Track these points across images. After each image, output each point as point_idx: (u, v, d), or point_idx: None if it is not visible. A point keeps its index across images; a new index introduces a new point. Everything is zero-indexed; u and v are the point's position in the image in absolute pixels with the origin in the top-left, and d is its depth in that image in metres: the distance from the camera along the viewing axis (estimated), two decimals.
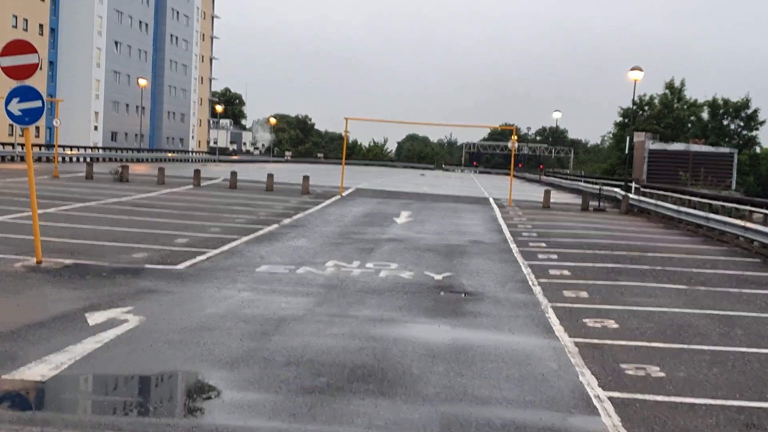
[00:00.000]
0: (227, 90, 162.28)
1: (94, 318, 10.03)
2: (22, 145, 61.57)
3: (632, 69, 42.78)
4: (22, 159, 56.42)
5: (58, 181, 36.71)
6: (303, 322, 10.64)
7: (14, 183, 32.76)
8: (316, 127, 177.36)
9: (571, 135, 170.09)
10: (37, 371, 7.62)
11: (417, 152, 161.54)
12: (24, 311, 10.53)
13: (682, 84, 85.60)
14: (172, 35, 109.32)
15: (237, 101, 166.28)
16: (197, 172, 40.41)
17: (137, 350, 8.71)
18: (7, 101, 14.22)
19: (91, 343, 8.77)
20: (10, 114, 14.29)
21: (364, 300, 12.68)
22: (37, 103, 14.34)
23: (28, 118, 14.33)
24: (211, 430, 6.25)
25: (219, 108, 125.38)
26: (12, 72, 14.18)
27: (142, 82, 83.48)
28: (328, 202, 34.22)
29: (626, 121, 79.82)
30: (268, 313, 11.07)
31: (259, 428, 6.36)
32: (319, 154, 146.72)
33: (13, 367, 7.68)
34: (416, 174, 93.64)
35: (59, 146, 61.03)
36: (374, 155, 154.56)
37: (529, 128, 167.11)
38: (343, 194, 39.29)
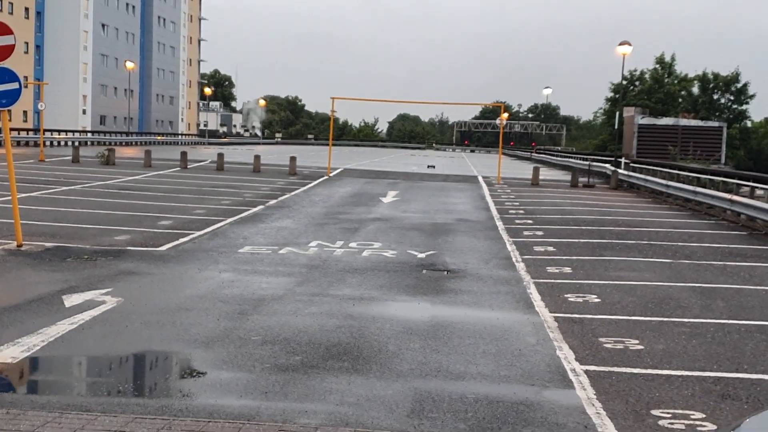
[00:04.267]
0: (216, 72, 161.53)
1: (71, 300, 9.96)
2: (11, 129, 61.29)
3: (621, 44, 42.68)
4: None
5: (44, 165, 36.51)
6: (282, 302, 10.58)
7: None
8: (306, 108, 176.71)
9: (564, 112, 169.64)
10: (7, 353, 7.56)
11: (408, 132, 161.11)
12: (0, 295, 10.44)
13: (673, 59, 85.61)
14: (159, 17, 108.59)
15: (227, 83, 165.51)
16: (184, 154, 40.24)
17: (112, 331, 8.65)
18: None
19: (65, 325, 8.71)
20: None
21: (345, 279, 12.63)
22: (14, 85, 14.23)
23: (6, 99, 14.22)
24: (180, 409, 6.20)
25: (208, 90, 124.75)
26: None
27: (130, 65, 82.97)
28: (315, 182, 34.11)
29: (617, 96, 79.72)
30: (247, 294, 11.01)
31: (230, 406, 6.32)
32: (309, 136, 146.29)
33: None
34: (406, 154, 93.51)
35: (47, 130, 60.79)
36: (365, 135, 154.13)
37: (520, 105, 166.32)
38: (331, 175, 39.18)
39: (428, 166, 52.48)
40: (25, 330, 8.37)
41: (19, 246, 13.99)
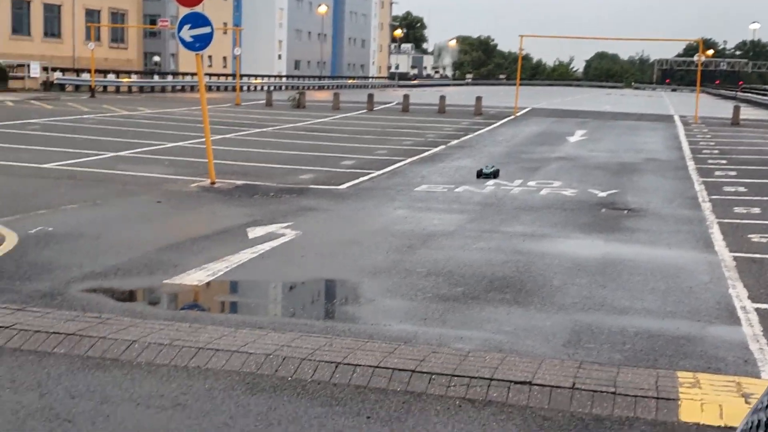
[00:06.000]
0: (408, 14, 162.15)
1: (254, 232, 10.57)
2: (210, 75, 64.49)
3: None
4: (210, 88, 59.16)
5: (239, 109, 38.29)
6: (451, 238, 10.77)
7: (198, 111, 34.45)
8: (499, 48, 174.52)
9: None
10: (195, 277, 8.18)
11: (605, 71, 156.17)
12: (192, 226, 11.24)
13: None
14: None
15: (418, 25, 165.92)
16: (371, 96, 41.02)
17: (288, 260, 9.15)
18: (179, 28, 14.95)
19: (247, 253, 9.28)
20: (182, 40, 15.03)
21: (518, 216, 12.64)
22: (207, 29, 14.97)
23: (199, 43, 14.99)
24: (342, 330, 6.54)
25: (399, 32, 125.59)
26: (182, 0, 14.88)
27: (323, 9, 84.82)
28: (499, 122, 33.94)
29: None
30: (418, 229, 11.28)
31: (388, 330, 6.60)
32: (501, 76, 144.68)
33: (174, 273, 8.28)
34: (601, 93, 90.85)
35: (244, 75, 63.49)
36: (559, 75, 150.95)
37: (725, 42, 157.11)
38: (517, 114, 38.81)
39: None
40: (211, 257, 9.00)
41: (212, 183, 14.89)
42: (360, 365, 5.61)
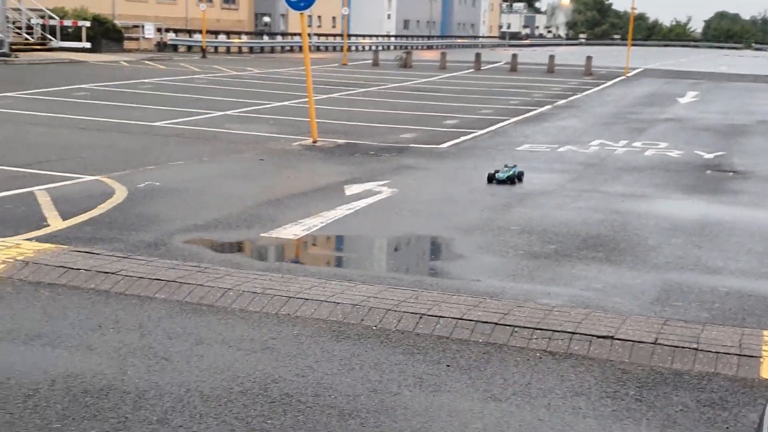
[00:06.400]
0: None
1: (351, 189, 10.77)
2: (318, 35, 65.03)
3: None
4: (317, 49, 59.73)
5: (345, 69, 38.60)
6: (549, 197, 10.74)
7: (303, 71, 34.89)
8: (614, 7, 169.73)
9: None
10: (290, 231, 8.44)
11: (724, 31, 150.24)
12: (292, 183, 11.52)
13: None
14: None
15: None
16: (478, 56, 40.71)
17: (382, 217, 9.32)
18: None
19: (343, 210, 9.49)
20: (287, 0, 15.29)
21: (620, 177, 12.48)
22: None
23: (303, 3, 15.21)
24: (430, 284, 6.67)
25: None
26: None
27: None
28: (609, 83, 33.24)
29: None
30: (516, 188, 11.28)
31: (476, 285, 6.69)
32: (615, 36, 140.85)
33: (271, 227, 8.55)
34: (718, 54, 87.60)
35: (352, 35, 63.80)
36: (675, 35, 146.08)
37: None
38: (628, 75, 37.91)
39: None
40: (307, 213, 9.24)
41: (314, 142, 15.17)
42: (444, 317, 5.73)
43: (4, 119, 16.60)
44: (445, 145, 15.35)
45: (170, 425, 4.21)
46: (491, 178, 11.52)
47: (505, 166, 11.98)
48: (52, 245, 7.29)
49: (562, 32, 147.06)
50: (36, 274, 6.57)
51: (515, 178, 11.61)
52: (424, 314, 5.79)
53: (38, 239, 7.56)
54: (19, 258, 6.85)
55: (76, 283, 6.42)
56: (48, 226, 8.19)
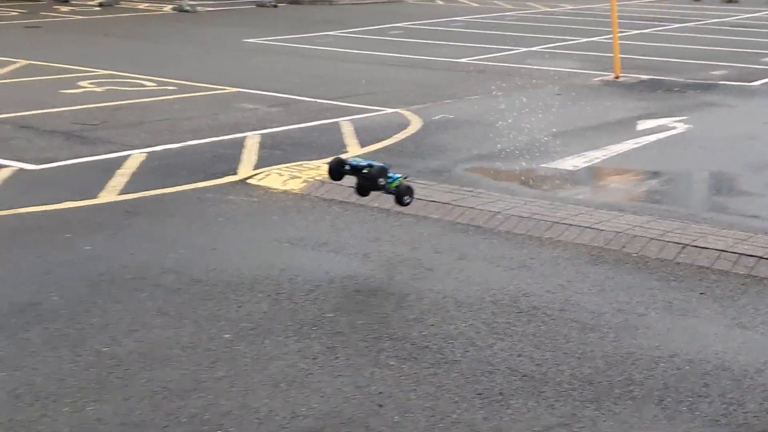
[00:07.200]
0: None
1: (644, 125, 10.62)
2: None
3: None
4: None
5: (664, 4, 36.89)
6: None
7: (621, 6, 33.87)
8: None
9: None
10: (571, 162, 8.60)
11: None
12: (584, 117, 11.53)
13: None
14: None
15: None
16: None
17: (669, 152, 9.16)
18: None
19: (629, 144, 9.44)
20: None
21: None
22: None
23: None
24: (703, 218, 6.57)
25: None
26: None
27: None
28: None
29: None
30: None
31: (750, 222, 6.49)
32: None
33: (553, 158, 8.76)
34: None
35: None
36: None
37: None
38: None
39: None
40: (593, 146, 9.32)
41: (616, 77, 14.94)
42: (707, 248, 5.70)
43: (323, 56, 17.99)
44: (757, 83, 14.46)
45: (424, 323, 4.68)
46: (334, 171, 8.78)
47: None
48: None
49: None
50: (330, 193, 7.32)
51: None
52: (687, 245, 5.78)
53: None
54: (317, 178, 7.65)
55: (362, 201, 7.09)
56: (347, 153, 8.99)
